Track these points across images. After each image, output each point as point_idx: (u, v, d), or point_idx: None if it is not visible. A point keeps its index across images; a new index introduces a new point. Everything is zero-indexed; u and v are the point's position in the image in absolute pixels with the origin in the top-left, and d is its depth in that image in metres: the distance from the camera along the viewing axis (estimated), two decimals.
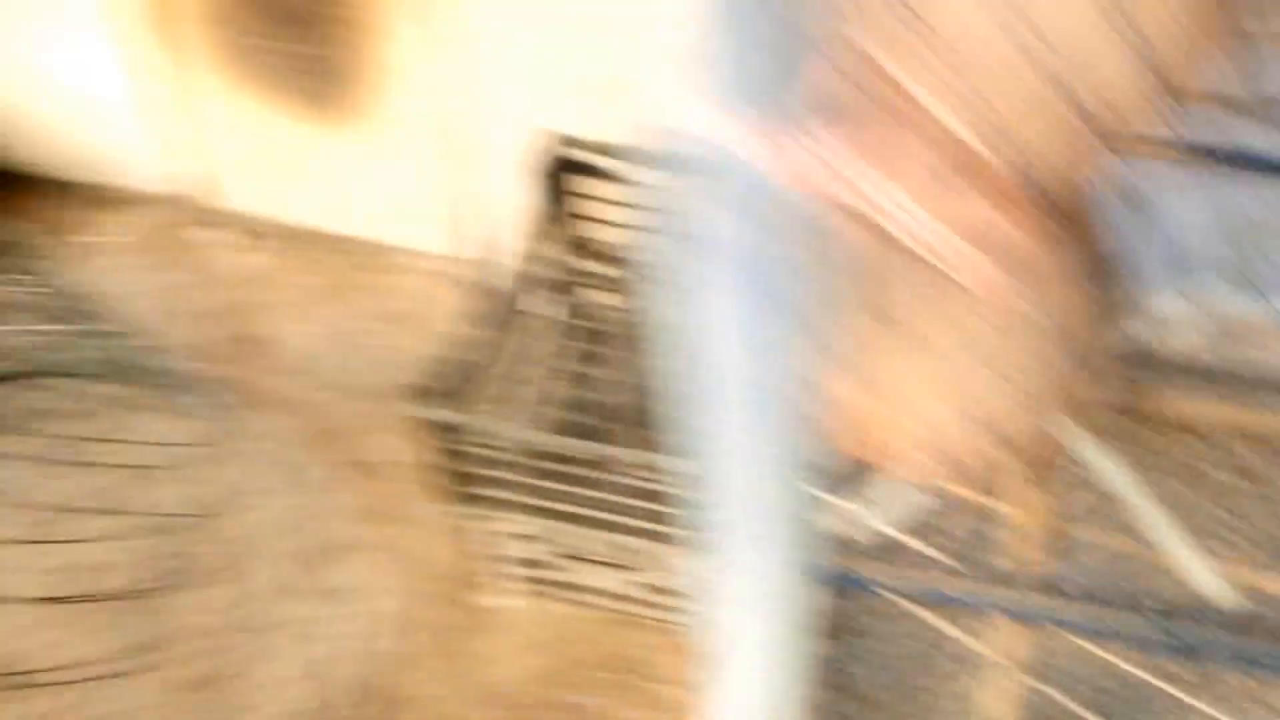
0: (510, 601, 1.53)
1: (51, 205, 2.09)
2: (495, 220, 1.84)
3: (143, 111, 1.98)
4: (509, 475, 1.34)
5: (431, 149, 1.86)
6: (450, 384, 1.31)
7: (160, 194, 2.09)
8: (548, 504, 1.36)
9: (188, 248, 2.05)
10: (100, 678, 1.40)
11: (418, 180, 1.92)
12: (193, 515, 1.53)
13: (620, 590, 1.45)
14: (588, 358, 1.53)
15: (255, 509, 1.56)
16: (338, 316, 1.93)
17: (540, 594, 1.50)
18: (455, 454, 1.32)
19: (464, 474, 1.35)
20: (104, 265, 2.00)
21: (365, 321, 1.92)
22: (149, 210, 2.07)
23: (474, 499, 1.38)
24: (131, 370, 1.78)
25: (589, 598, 1.49)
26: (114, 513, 1.54)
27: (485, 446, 1.30)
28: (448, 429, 1.29)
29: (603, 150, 1.59)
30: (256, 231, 2.06)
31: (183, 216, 2.09)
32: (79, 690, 1.40)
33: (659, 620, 1.49)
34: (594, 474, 1.34)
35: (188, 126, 2.00)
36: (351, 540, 1.60)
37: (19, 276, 1.88)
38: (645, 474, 1.28)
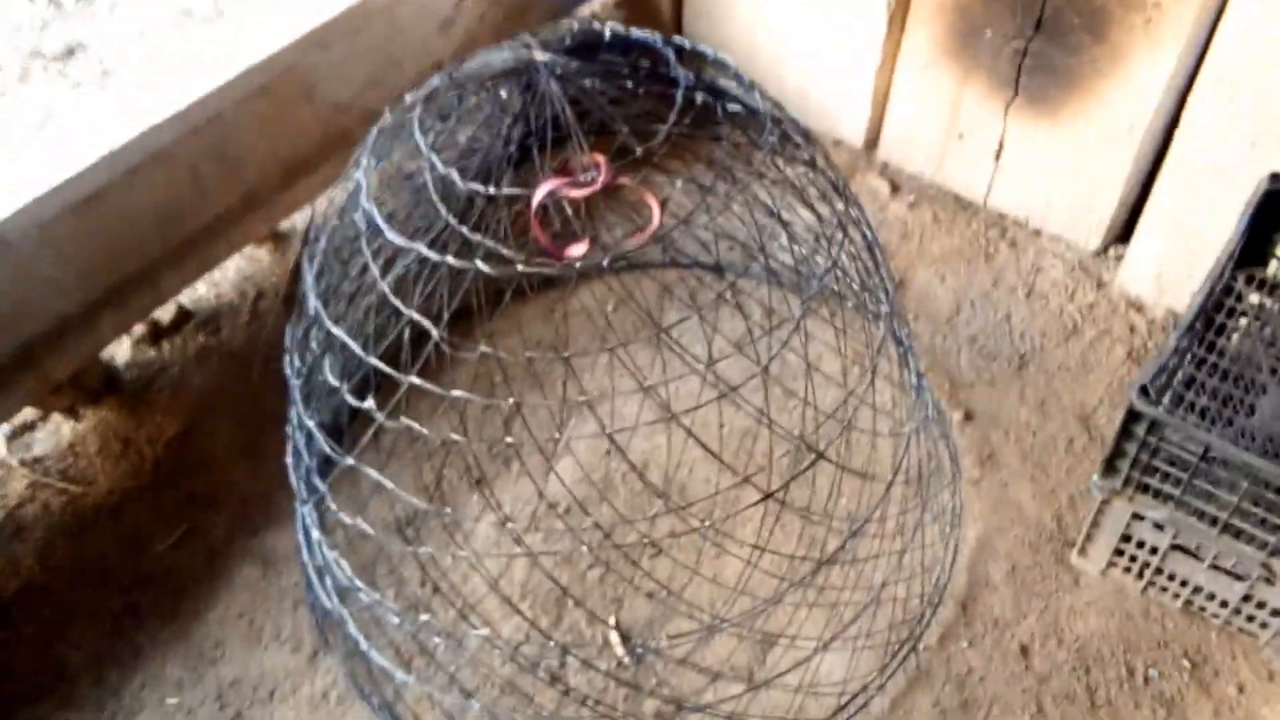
0: (1094, 568, 1.69)
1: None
2: (1195, 248, 1.97)
3: (865, 69, 2.32)
4: (1175, 471, 1.47)
5: (1127, 159, 2.03)
6: (1162, 381, 1.46)
7: (844, 140, 2.45)
8: (1192, 501, 1.49)
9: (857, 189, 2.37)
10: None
11: (1099, 179, 2.10)
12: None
13: (1217, 593, 1.56)
14: (1258, 389, 1.62)
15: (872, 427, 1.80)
16: (970, 278, 2.17)
17: (1131, 572, 1.65)
18: (1138, 440, 1.48)
19: (1130, 454, 1.52)
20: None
21: (995, 290, 2.15)
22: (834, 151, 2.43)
23: (1117, 473, 1.54)
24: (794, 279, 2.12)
25: (1178, 588, 1.61)
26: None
27: (1167, 442, 1.45)
28: (1138, 417, 1.45)
29: None
30: (919, 191, 2.35)
31: (857, 163, 2.43)
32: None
33: (1239, 629, 1.59)
34: (1241, 482, 1.45)
35: (898, 93, 2.32)
36: (958, 472, 1.84)
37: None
38: None
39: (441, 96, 1.36)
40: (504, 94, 1.30)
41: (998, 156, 2.22)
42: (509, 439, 1.85)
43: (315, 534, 1.48)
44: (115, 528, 1.95)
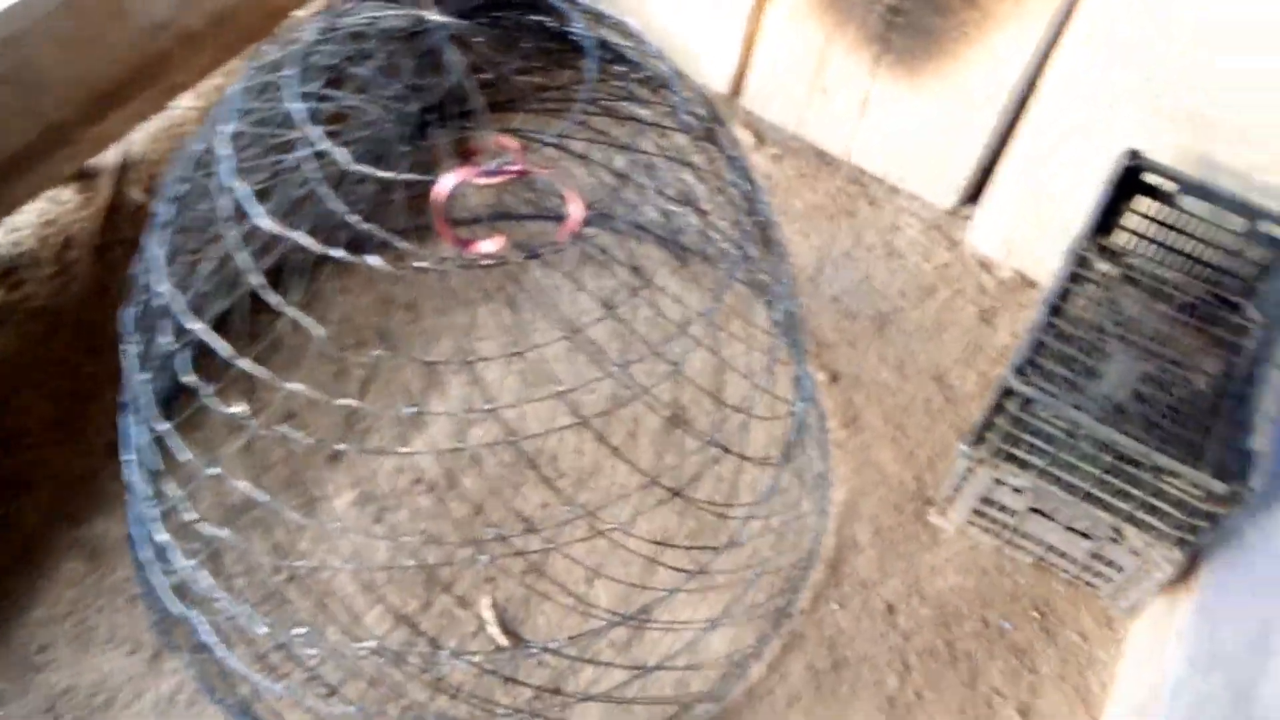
0: (950, 526, 1.78)
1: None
2: (1042, 212, 2.04)
3: (731, 17, 2.26)
4: (1040, 443, 1.55)
5: (988, 122, 2.07)
6: (1022, 353, 1.52)
7: (707, 85, 2.39)
8: (1052, 469, 1.58)
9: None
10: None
11: (958, 141, 2.14)
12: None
13: (1067, 551, 1.68)
14: (1102, 355, 1.72)
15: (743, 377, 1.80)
16: (833, 236, 2.20)
17: (988, 531, 1.74)
18: (1009, 414, 1.54)
19: (1000, 427, 1.58)
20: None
21: (856, 248, 2.18)
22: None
23: (985, 443, 1.61)
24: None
25: (1032, 546, 1.72)
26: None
27: (1035, 416, 1.52)
28: (1012, 394, 1.51)
29: (1171, 176, 1.76)
30: (783, 143, 2.34)
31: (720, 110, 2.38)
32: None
33: (1085, 582, 1.72)
34: (1100, 455, 1.55)
35: (766, 41, 2.28)
36: (826, 436, 1.88)
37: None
38: (1148, 469, 1.48)
39: (315, 55, 1.21)
40: (393, 58, 1.17)
41: (862, 113, 2.23)
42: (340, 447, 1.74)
43: (162, 537, 1.34)
44: None
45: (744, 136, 2.34)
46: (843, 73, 2.20)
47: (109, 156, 2.20)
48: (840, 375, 1.98)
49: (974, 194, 2.23)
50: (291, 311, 1.11)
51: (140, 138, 2.25)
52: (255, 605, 1.60)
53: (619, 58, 1.35)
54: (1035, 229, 2.09)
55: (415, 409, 1.63)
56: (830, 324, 2.05)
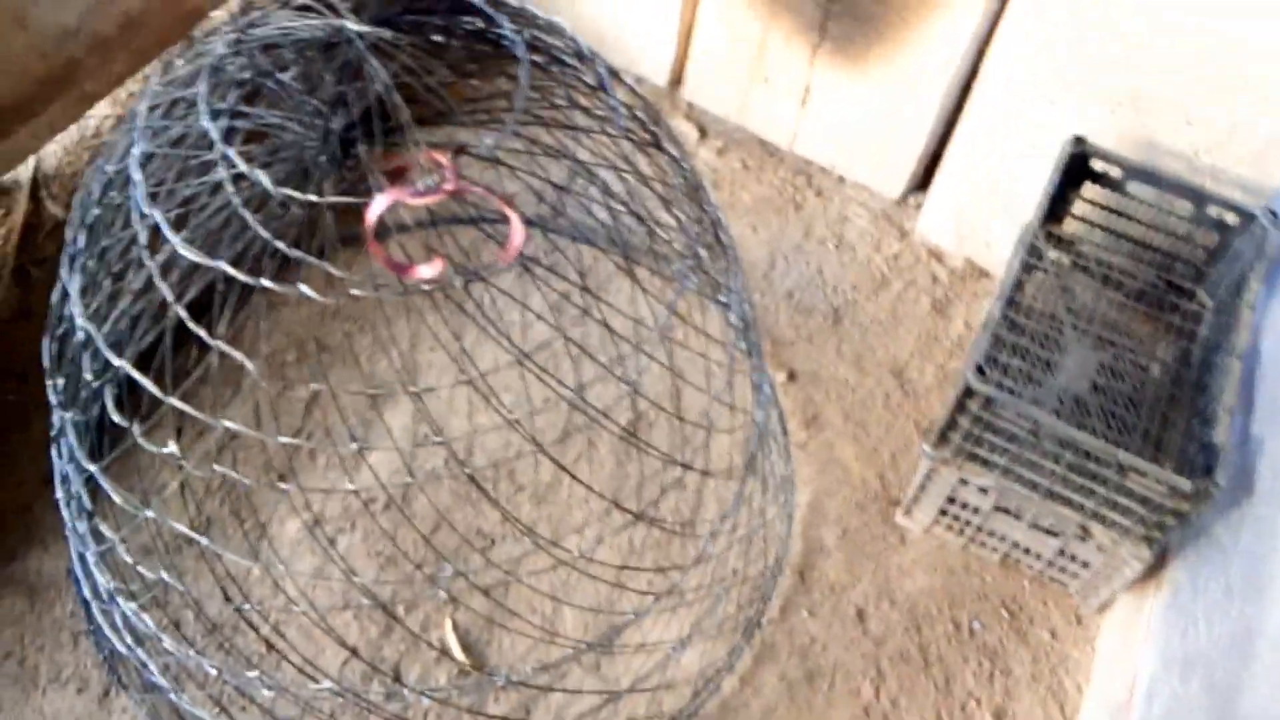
0: (916, 526, 1.75)
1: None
2: (990, 200, 2.01)
3: (665, 7, 2.20)
4: (1003, 442, 1.53)
5: (931, 109, 2.04)
6: (981, 351, 1.50)
7: (646, 78, 2.33)
8: (1015, 468, 1.55)
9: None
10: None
11: (902, 129, 2.11)
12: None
13: (1034, 549, 1.66)
14: (1057, 346, 1.70)
15: (700, 390, 1.76)
16: (782, 230, 2.15)
17: (954, 530, 1.72)
18: (971, 414, 1.51)
19: (962, 427, 1.55)
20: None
21: (806, 241, 2.14)
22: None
23: (948, 443, 1.58)
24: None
25: (998, 544, 1.70)
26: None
27: (997, 415, 1.50)
28: (972, 394, 1.48)
29: (1116, 161, 1.74)
30: (726, 135, 2.29)
31: (661, 103, 2.33)
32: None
33: (1052, 579, 1.70)
34: (1063, 453, 1.53)
35: (703, 31, 2.22)
36: (787, 438, 1.84)
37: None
38: (1110, 466, 1.46)
39: (224, 68, 1.13)
40: (311, 70, 1.09)
41: (804, 102, 2.19)
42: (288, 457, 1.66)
43: (101, 580, 1.26)
44: None
45: (686, 129, 2.29)
46: (782, 61, 2.15)
47: (22, 172, 2.08)
48: (798, 373, 1.94)
49: (922, 183, 2.20)
50: (220, 346, 1.03)
51: (54, 150, 2.14)
52: (206, 636, 1.52)
53: (553, 59, 1.29)
54: (984, 216, 2.07)
55: (357, 446, 1.55)
56: (785, 320, 2.01)
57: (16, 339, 1.87)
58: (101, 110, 2.19)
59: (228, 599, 1.55)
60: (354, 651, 1.53)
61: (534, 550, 1.53)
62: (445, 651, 1.57)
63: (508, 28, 1.22)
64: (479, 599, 1.60)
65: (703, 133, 2.29)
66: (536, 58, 1.24)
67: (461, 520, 1.69)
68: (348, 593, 1.61)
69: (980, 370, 1.43)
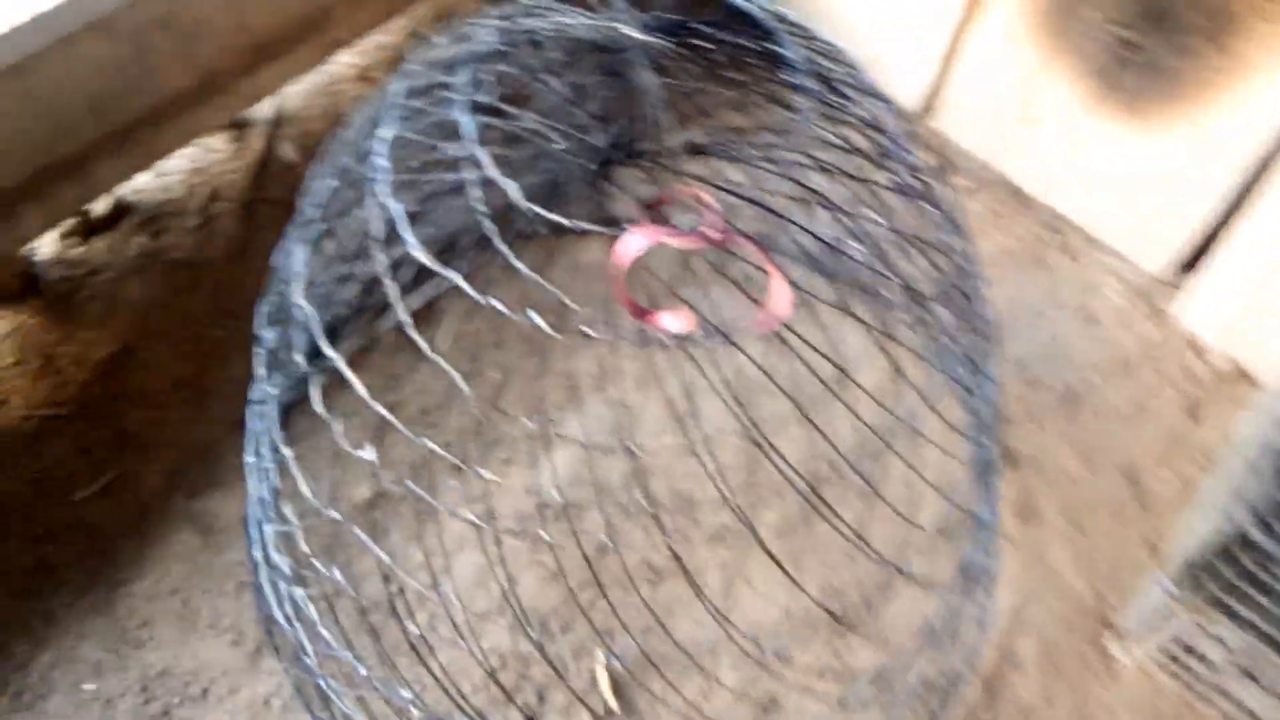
0: (1130, 660, 1.55)
1: None
2: (1275, 297, 1.77)
3: (932, 29, 2.03)
4: (1262, 599, 1.32)
5: (1223, 181, 1.80)
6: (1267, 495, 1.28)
7: (894, 99, 2.16)
8: (1258, 622, 1.34)
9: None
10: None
11: (1182, 198, 1.88)
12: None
13: (1264, 717, 1.44)
14: None
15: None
16: (1021, 288, 1.95)
17: (1175, 676, 1.51)
18: (1227, 556, 1.31)
19: (1212, 565, 1.35)
20: None
21: (1048, 306, 1.93)
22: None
23: (1197, 585, 1.37)
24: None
25: (1226, 705, 1.48)
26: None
27: (1272, 574, 1.29)
28: (1251, 545, 1.27)
29: None
30: (975, 174, 2.10)
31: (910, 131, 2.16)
32: None
33: None
34: None
35: (968, 59, 2.03)
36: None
37: None
38: None
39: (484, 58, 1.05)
40: (578, 77, 1.00)
41: (1070, 151, 1.97)
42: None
43: (277, 558, 1.23)
44: (29, 464, 1.68)
45: (929, 161, 2.11)
46: (1055, 104, 1.94)
47: (263, 109, 2.11)
48: (1018, 457, 1.75)
49: (1191, 262, 1.95)
50: (440, 362, 0.96)
51: (295, 92, 2.16)
52: (359, 617, 1.49)
53: (832, 89, 1.15)
54: (1263, 315, 1.81)
55: (538, 424, 1.47)
56: (1013, 392, 1.82)
57: (235, 275, 1.90)
58: (345, 58, 2.19)
59: (387, 581, 1.51)
60: (496, 679, 1.46)
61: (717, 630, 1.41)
62: (594, 687, 1.49)
63: (790, 49, 1.10)
64: (637, 635, 1.51)
65: (947, 167, 2.10)
66: (813, 84, 1.11)
67: (628, 547, 1.60)
68: (502, 611, 1.55)
69: (1267, 525, 1.22)
